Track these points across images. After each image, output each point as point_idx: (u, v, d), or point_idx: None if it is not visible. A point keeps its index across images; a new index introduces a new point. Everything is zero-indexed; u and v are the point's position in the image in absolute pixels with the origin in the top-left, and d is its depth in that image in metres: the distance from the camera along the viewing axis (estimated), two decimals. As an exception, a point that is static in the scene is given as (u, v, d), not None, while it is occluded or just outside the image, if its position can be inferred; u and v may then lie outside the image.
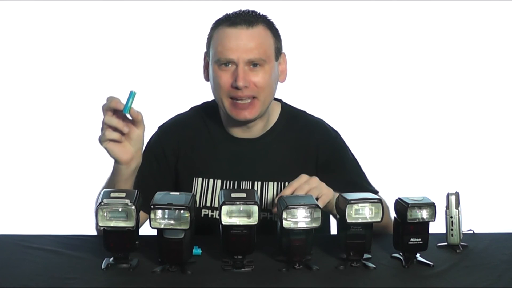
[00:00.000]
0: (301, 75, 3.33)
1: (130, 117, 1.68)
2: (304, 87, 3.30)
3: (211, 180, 1.93)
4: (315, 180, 1.71)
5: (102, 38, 3.53)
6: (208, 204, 1.93)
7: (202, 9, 3.31)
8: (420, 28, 3.57)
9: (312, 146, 1.95)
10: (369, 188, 1.93)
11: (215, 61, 1.84)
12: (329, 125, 2.02)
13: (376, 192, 1.93)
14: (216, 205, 1.91)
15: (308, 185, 1.69)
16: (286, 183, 1.89)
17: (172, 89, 3.40)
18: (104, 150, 1.72)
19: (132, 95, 1.66)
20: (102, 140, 1.69)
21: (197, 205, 1.91)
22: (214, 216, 1.92)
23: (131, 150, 1.72)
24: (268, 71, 1.84)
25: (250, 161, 1.93)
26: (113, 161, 1.75)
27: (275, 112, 1.97)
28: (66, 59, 3.56)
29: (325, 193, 1.70)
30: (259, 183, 1.92)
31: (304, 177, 1.71)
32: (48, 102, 3.57)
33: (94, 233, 1.83)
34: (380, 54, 3.58)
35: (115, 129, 1.67)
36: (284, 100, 2.03)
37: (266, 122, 1.94)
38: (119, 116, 1.68)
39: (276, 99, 1.99)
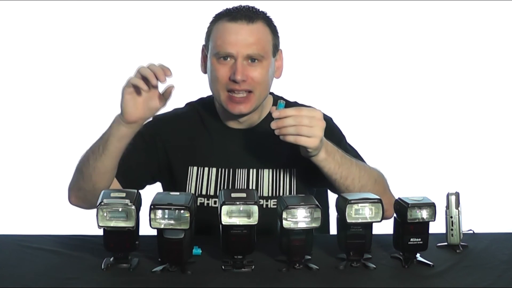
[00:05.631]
0: (302, 74, 3.35)
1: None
2: (305, 86, 3.30)
3: (206, 169, 1.96)
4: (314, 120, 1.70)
5: (98, 34, 3.53)
6: (204, 192, 1.96)
7: (199, 4, 3.31)
8: (420, 28, 3.58)
9: None
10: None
11: (214, 54, 1.87)
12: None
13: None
14: (212, 193, 1.95)
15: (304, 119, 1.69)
16: (281, 170, 1.95)
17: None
18: (119, 101, 1.75)
19: None
20: (125, 86, 1.74)
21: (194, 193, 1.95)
22: (210, 205, 1.95)
23: (141, 112, 1.77)
24: (266, 67, 1.88)
25: (245, 150, 1.96)
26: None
27: (268, 104, 2.01)
28: (64, 58, 3.56)
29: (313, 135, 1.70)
30: (254, 170, 1.95)
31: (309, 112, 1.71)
32: (48, 102, 3.57)
33: (94, 233, 1.82)
34: (380, 54, 3.58)
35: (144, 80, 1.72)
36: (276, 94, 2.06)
37: (260, 114, 1.99)
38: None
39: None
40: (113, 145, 1.80)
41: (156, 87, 1.74)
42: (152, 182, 2.03)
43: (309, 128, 1.69)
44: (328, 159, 1.78)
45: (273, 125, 1.70)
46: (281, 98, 2.06)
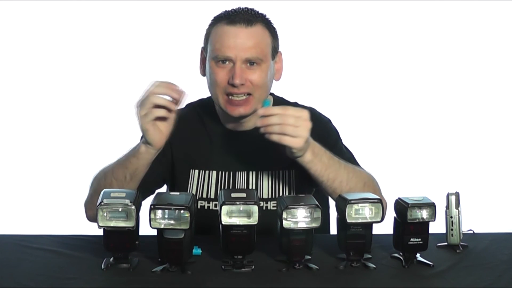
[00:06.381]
0: (302, 76, 3.35)
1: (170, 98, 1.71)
2: (304, 86, 3.30)
3: (207, 172, 1.96)
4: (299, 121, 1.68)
5: (98, 34, 3.53)
6: (205, 195, 1.95)
7: (199, 5, 3.31)
8: (420, 28, 3.58)
9: None
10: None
11: (213, 57, 1.87)
12: (320, 112, 2.04)
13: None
14: (212, 196, 1.94)
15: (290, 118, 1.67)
16: (280, 171, 1.94)
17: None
18: (141, 133, 1.74)
19: None
20: (145, 121, 1.71)
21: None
22: (210, 208, 1.94)
23: (166, 134, 1.76)
24: (265, 70, 1.87)
25: (246, 152, 1.95)
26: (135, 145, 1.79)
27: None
28: (66, 60, 3.56)
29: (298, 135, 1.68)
30: (254, 172, 1.95)
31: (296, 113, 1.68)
32: (48, 102, 3.57)
33: (94, 233, 1.82)
34: (380, 54, 3.58)
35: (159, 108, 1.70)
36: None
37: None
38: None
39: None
40: (143, 172, 1.81)
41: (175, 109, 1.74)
42: (162, 185, 2.03)
43: (294, 128, 1.67)
44: (314, 161, 1.76)
45: (259, 122, 1.68)
46: (282, 98, 2.06)
